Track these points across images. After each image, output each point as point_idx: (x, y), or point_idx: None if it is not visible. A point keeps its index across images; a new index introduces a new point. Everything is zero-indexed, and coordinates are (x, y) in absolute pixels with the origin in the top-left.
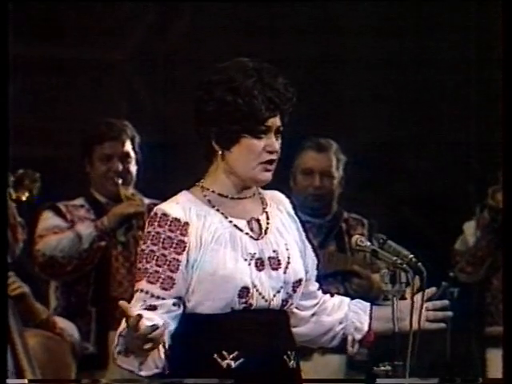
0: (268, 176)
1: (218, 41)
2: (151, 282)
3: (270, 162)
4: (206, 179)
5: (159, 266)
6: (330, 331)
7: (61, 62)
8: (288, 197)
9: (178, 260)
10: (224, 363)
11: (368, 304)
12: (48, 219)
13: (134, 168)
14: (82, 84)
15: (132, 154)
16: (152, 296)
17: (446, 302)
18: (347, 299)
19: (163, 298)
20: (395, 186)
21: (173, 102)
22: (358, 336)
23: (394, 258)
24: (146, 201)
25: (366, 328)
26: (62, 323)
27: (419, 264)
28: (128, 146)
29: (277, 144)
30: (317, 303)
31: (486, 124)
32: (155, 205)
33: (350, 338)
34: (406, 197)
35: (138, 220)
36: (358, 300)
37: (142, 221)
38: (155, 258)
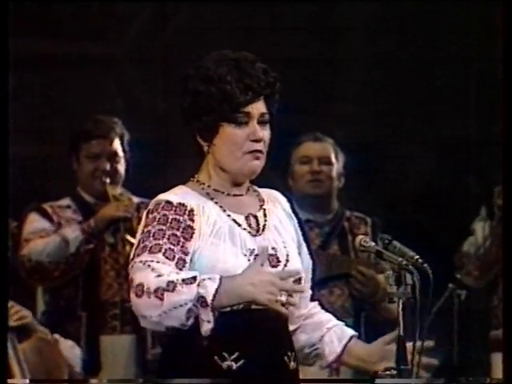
0: (255, 165)
1: (217, 38)
2: (168, 258)
3: (256, 152)
4: (200, 175)
5: (173, 244)
6: (302, 350)
7: (56, 59)
8: (285, 195)
9: (187, 246)
10: (224, 365)
11: (350, 334)
12: (34, 222)
13: (122, 167)
14: (77, 81)
15: (121, 152)
16: (169, 266)
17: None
18: (331, 322)
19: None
20: (398, 185)
21: (171, 99)
22: (323, 362)
23: (400, 259)
24: (136, 199)
25: (330, 359)
26: (65, 349)
27: (425, 265)
28: (117, 145)
29: (261, 132)
30: (301, 315)
31: (486, 123)
32: (144, 203)
33: (320, 362)
34: (410, 195)
35: (126, 222)
36: (341, 326)
37: (129, 223)
38: (167, 236)
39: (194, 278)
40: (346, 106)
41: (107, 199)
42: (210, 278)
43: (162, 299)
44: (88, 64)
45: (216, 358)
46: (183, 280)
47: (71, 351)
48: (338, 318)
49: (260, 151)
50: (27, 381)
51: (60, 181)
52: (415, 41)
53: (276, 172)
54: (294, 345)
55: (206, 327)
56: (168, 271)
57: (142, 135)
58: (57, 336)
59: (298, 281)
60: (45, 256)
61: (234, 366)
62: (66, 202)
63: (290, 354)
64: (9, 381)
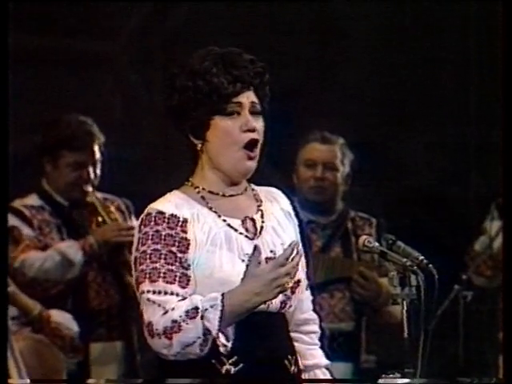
0: (251, 165)
1: (216, 37)
2: (169, 282)
3: (252, 144)
4: (194, 177)
5: (170, 263)
6: None
7: (52, 55)
8: (286, 194)
9: (186, 259)
10: (223, 369)
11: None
12: (14, 228)
13: (99, 171)
14: (74, 77)
15: (100, 157)
16: (172, 294)
17: None
18: (313, 360)
19: (183, 298)
20: (405, 184)
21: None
22: None
23: (404, 260)
24: (99, 195)
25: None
26: (58, 317)
27: (430, 266)
28: (98, 151)
29: (254, 122)
30: (299, 320)
31: (487, 122)
32: (106, 199)
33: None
34: (416, 195)
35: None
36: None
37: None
38: (163, 256)
39: (197, 308)
40: (348, 107)
41: (82, 204)
42: (212, 306)
43: (171, 339)
44: (87, 62)
45: (214, 361)
46: (187, 314)
47: (68, 321)
48: (341, 321)
49: (255, 142)
50: (28, 381)
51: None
52: (415, 42)
53: (280, 169)
54: (294, 348)
55: (224, 349)
56: (173, 302)
57: (140, 135)
58: (51, 312)
59: (297, 283)
60: (42, 273)
61: (233, 369)
62: (35, 200)
63: (290, 357)
64: (10, 381)
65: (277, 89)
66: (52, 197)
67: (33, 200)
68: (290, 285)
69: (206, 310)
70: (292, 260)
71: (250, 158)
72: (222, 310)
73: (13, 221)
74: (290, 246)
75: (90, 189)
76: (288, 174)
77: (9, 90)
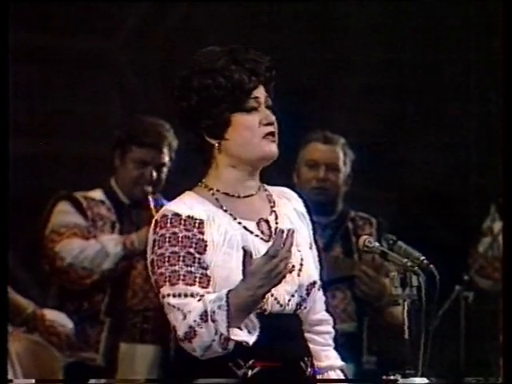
0: (274, 148)
1: (215, 37)
2: (189, 284)
3: (271, 135)
4: (208, 179)
5: (189, 265)
6: None
7: (52, 54)
8: (299, 195)
9: (204, 260)
10: (240, 372)
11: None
12: (67, 214)
13: (164, 175)
14: (74, 77)
15: (167, 162)
16: (192, 296)
17: None
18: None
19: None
20: (405, 184)
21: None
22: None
23: (405, 260)
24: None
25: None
26: (52, 315)
27: (431, 266)
28: (165, 154)
29: (272, 116)
30: (313, 320)
31: (487, 122)
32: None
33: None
34: (417, 195)
35: None
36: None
37: None
38: (181, 258)
39: (206, 311)
40: (349, 107)
41: (143, 205)
42: (219, 307)
43: (192, 343)
44: (87, 62)
45: (231, 364)
46: (200, 317)
47: (62, 319)
48: (342, 322)
49: (274, 133)
50: (33, 381)
51: (58, 178)
52: (416, 43)
53: (280, 168)
54: (310, 350)
55: (246, 344)
56: (192, 304)
57: None
58: (45, 310)
59: (313, 285)
60: (79, 261)
61: (250, 373)
62: (98, 194)
63: (306, 359)
64: (15, 381)
65: (277, 88)
66: (116, 194)
67: (96, 194)
68: (296, 268)
69: (214, 312)
70: (283, 246)
71: (272, 141)
72: (227, 311)
73: (65, 206)
74: (276, 234)
75: (149, 189)
76: (288, 174)
77: (9, 89)
